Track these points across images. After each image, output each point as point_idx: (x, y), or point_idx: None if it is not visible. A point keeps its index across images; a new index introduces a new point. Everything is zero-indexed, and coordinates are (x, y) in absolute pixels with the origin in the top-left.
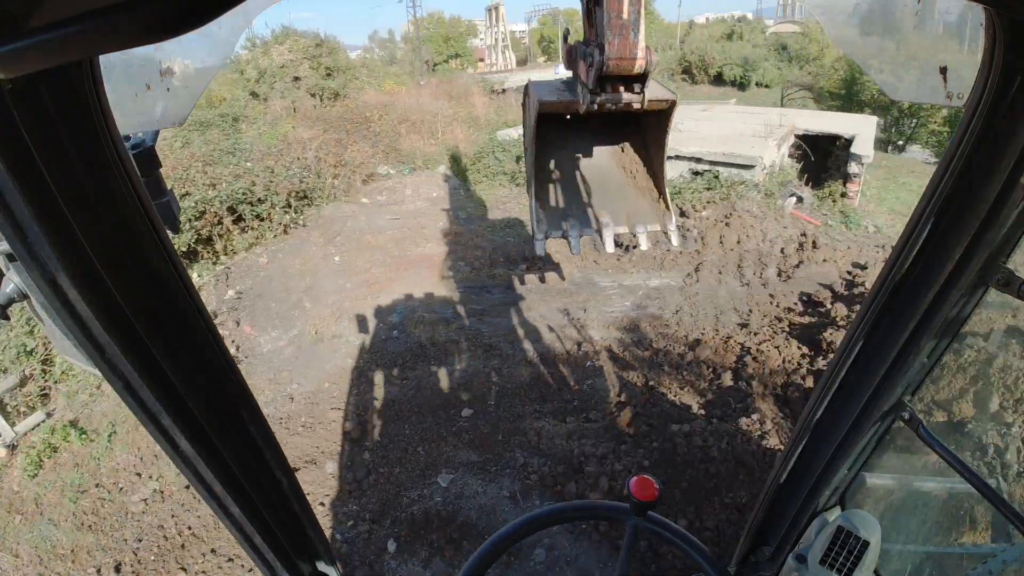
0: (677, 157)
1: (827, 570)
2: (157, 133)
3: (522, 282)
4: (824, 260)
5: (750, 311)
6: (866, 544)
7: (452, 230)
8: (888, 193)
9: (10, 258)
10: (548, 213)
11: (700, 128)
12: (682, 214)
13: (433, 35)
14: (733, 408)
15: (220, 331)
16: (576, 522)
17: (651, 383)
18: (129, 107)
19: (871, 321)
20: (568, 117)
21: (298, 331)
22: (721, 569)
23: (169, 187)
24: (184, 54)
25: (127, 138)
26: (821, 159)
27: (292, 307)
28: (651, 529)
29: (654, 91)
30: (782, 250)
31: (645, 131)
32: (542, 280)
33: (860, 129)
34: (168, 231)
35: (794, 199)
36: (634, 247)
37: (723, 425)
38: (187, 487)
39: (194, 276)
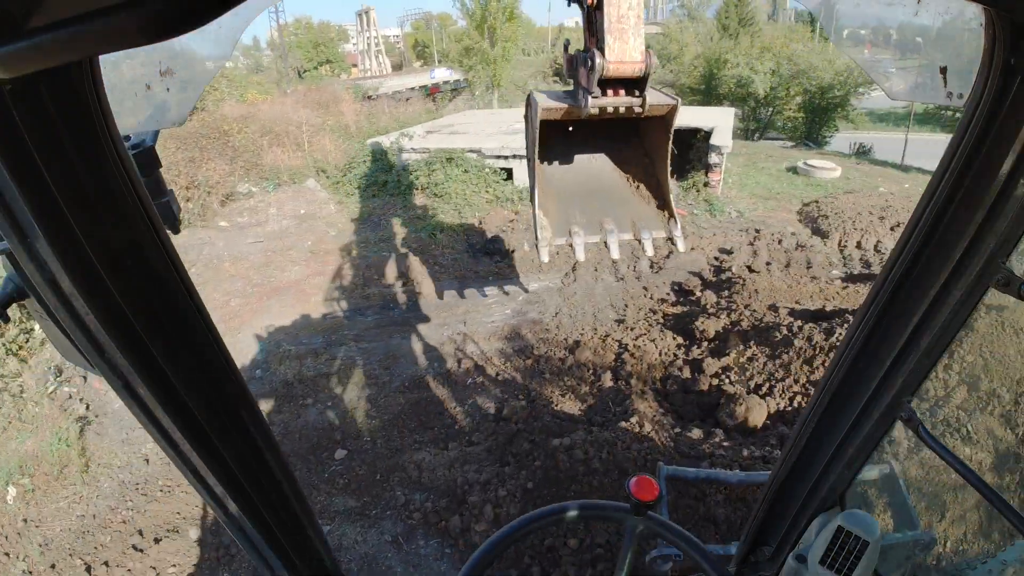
0: None
1: (827, 570)
2: (157, 133)
3: (398, 302)
4: (692, 248)
5: (626, 306)
6: (866, 544)
7: (321, 249)
8: (749, 179)
9: (10, 258)
10: (552, 220)
11: None
12: None
13: (302, 41)
14: (613, 412)
15: (66, 388)
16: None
17: (533, 394)
18: (129, 107)
19: (871, 321)
20: (571, 128)
21: None
22: (721, 569)
23: (169, 188)
24: (184, 54)
25: (127, 138)
26: (684, 151)
27: None
28: (651, 528)
29: (654, 96)
30: (639, 241)
31: (646, 138)
32: (445, 295)
33: (718, 121)
34: (168, 231)
35: None
36: (511, 253)
37: (603, 433)
38: (52, 566)
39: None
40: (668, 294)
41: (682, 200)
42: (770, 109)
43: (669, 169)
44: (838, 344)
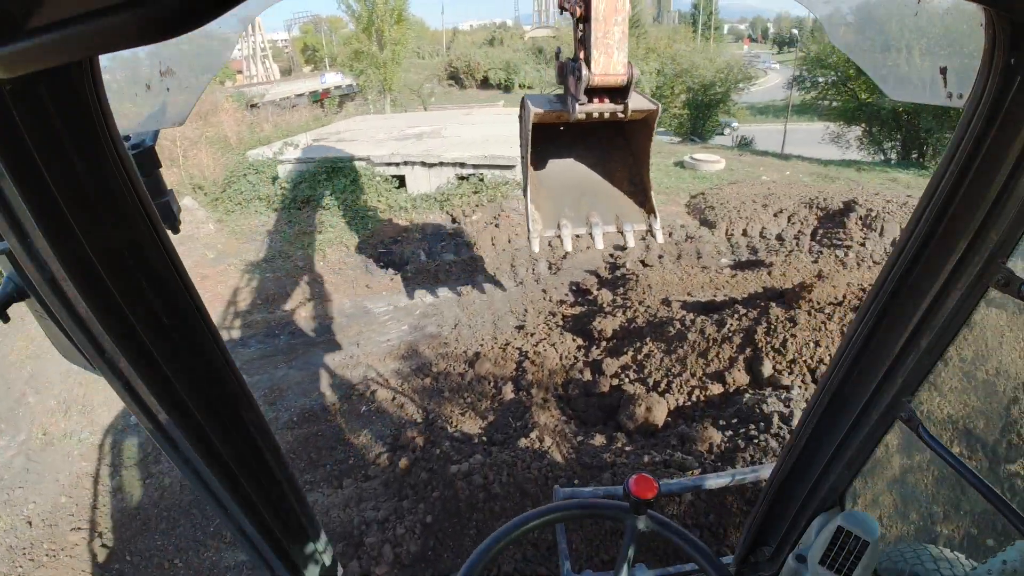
0: (441, 164)
1: (827, 570)
2: (157, 133)
3: (284, 328)
4: (587, 247)
5: (526, 311)
6: (865, 544)
7: (199, 274)
8: None
9: (10, 258)
10: (543, 214)
11: (462, 133)
12: (453, 221)
13: None
14: (514, 428)
15: None
16: (576, 521)
17: (432, 415)
18: (129, 107)
19: (871, 321)
20: (561, 128)
21: (26, 434)
22: (721, 569)
23: (169, 187)
24: (183, 54)
25: (127, 138)
26: None
27: (15, 404)
28: (651, 527)
29: (636, 102)
30: (549, 243)
31: (630, 139)
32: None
33: None
34: (168, 231)
35: None
36: (406, 265)
37: (502, 455)
38: None
39: None
40: (567, 295)
41: None
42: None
43: (650, 168)
44: (730, 335)
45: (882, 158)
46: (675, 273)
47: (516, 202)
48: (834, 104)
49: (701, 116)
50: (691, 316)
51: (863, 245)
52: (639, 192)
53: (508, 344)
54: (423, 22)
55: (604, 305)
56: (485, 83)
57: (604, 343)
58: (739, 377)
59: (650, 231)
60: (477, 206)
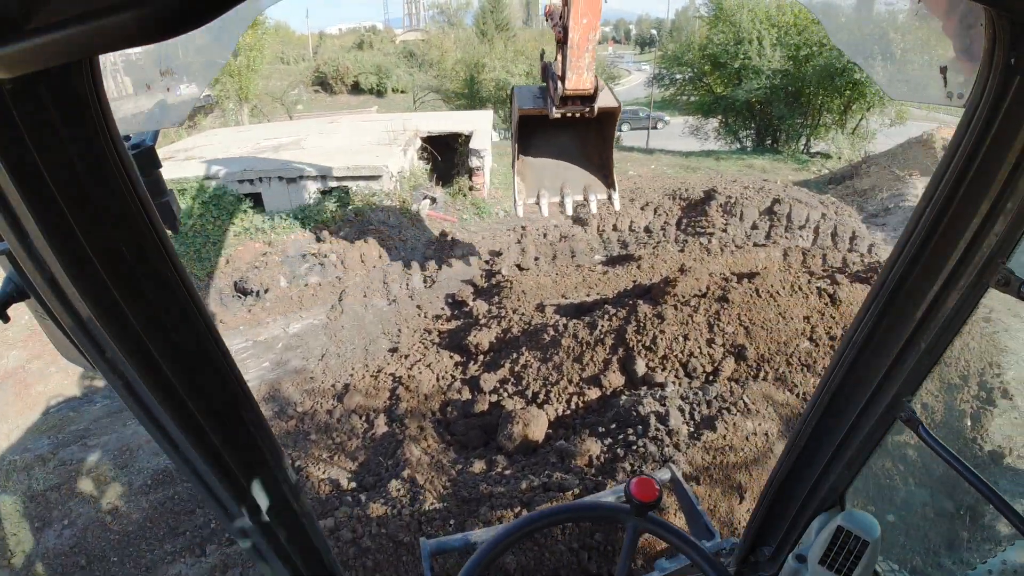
0: (301, 178)
1: (827, 570)
2: (157, 133)
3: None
4: (463, 255)
5: (399, 330)
6: (866, 544)
7: (25, 328)
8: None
9: (10, 258)
10: (527, 185)
11: (325, 143)
12: (317, 239)
13: None
14: (386, 467)
15: None
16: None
17: (297, 463)
18: (129, 107)
19: (871, 321)
20: (545, 112)
21: None
22: (721, 569)
23: (169, 188)
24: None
25: (127, 138)
26: (448, 158)
27: None
28: (651, 530)
29: (604, 99)
30: (424, 255)
31: (600, 126)
32: None
33: (477, 124)
34: (168, 231)
35: (428, 201)
36: (266, 291)
37: (372, 503)
38: None
39: None
40: (443, 309)
41: (451, 207)
42: None
43: (613, 151)
44: (602, 337)
45: (738, 146)
46: (549, 275)
47: (384, 213)
48: (692, 99)
49: None
50: (564, 320)
51: (724, 231)
52: (604, 169)
53: (380, 371)
54: (287, 26)
55: (479, 317)
56: (356, 88)
57: (481, 357)
58: (614, 379)
59: (610, 199)
60: (344, 221)
